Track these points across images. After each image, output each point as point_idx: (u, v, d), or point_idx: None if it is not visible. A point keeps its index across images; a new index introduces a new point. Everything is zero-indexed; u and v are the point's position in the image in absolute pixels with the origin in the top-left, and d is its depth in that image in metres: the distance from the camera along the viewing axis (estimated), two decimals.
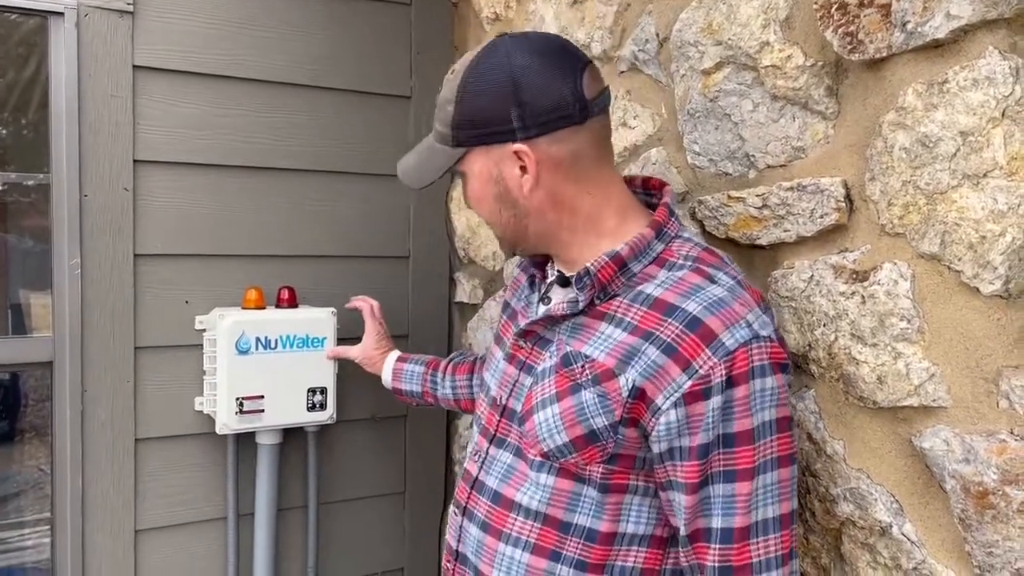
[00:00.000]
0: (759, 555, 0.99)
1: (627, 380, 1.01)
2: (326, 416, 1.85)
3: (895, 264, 1.02)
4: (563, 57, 1.09)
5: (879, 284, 1.04)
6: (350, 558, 2.07)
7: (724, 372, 0.97)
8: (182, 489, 1.86)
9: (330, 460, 2.03)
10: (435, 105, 1.16)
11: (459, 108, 1.10)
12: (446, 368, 1.65)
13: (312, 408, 1.83)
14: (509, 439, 1.15)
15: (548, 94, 1.06)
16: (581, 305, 1.09)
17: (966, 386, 0.96)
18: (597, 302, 1.09)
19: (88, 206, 1.72)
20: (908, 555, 1.03)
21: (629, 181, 1.22)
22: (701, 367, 0.97)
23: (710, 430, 0.98)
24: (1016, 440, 0.90)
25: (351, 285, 2.03)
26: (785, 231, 1.17)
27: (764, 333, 0.99)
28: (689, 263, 1.06)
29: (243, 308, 1.82)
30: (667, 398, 0.99)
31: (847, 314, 1.09)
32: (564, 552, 1.07)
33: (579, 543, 1.07)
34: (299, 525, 1.99)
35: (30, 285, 1.82)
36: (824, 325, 1.12)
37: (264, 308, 1.83)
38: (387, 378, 1.72)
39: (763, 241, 1.21)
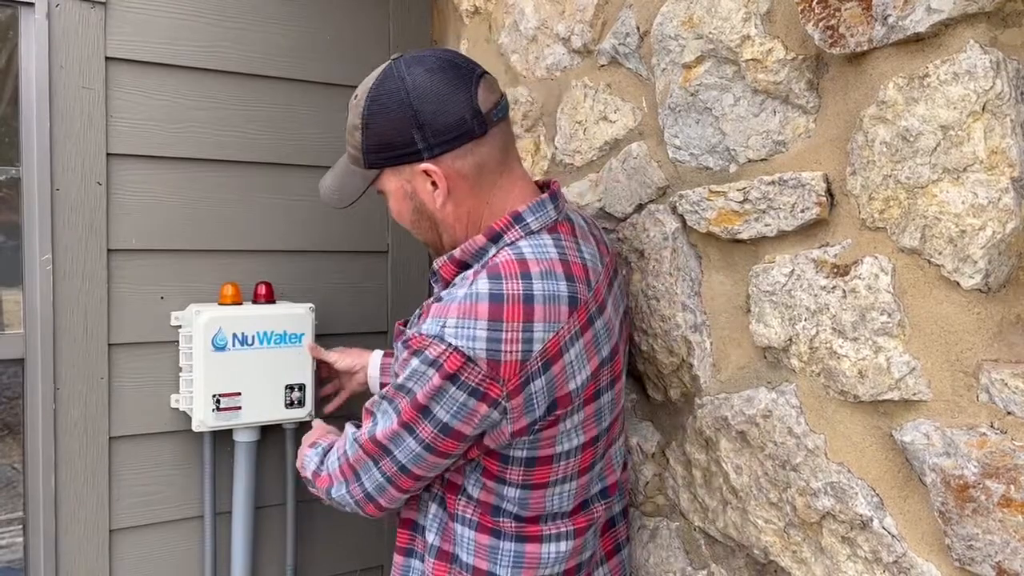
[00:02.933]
0: (363, 425, 1.26)
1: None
2: (304, 413, 1.83)
3: (876, 258, 1.02)
4: (456, 74, 1.17)
5: (860, 278, 1.04)
6: (329, 556, 2.06)
7: (409, 340, 1.15)
8: (158, 487, 1.83)
9: None
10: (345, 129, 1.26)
11: (366, 134, 1.20)
12: None
13: (290, 405, 1.81)
14: None
15: (446, 113, 1.15)
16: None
17: (946, 380, 0.96)
18: None
19: (60, 200, 1.69)
20: (888, 548, 1.04)
21: (546, 184, 1.30)
22: (411, 331, 1.17)
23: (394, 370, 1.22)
24: (996, 434, 0.90)
25: (329, 280, 2.01)
26: (766, 225, 1.17)
27: (451, 340, 1.10)
28: (486, 267, 1.15)
29: (219, 304, 1.79)
30: None
31: (828, 308, 1.09)
32: (432, 488, 1.32)
33: (439, 487, 1.31)
34: (277, 523, 1.97)
35: (0, 280, 1.79)
36: (805, 319, 1.12)
37: (241, 304, 1.81)
38: (374, 373, 1.70)
39: (744, 235, 1.21)
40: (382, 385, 1.70)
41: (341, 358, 1.76)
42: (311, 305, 1.84)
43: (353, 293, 2.05)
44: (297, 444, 1.93)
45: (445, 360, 1.09)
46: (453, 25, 2.07)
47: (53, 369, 1.70)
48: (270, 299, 1.83)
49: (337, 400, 1.84)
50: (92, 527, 1.76)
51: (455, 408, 1.12)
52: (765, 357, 1.21)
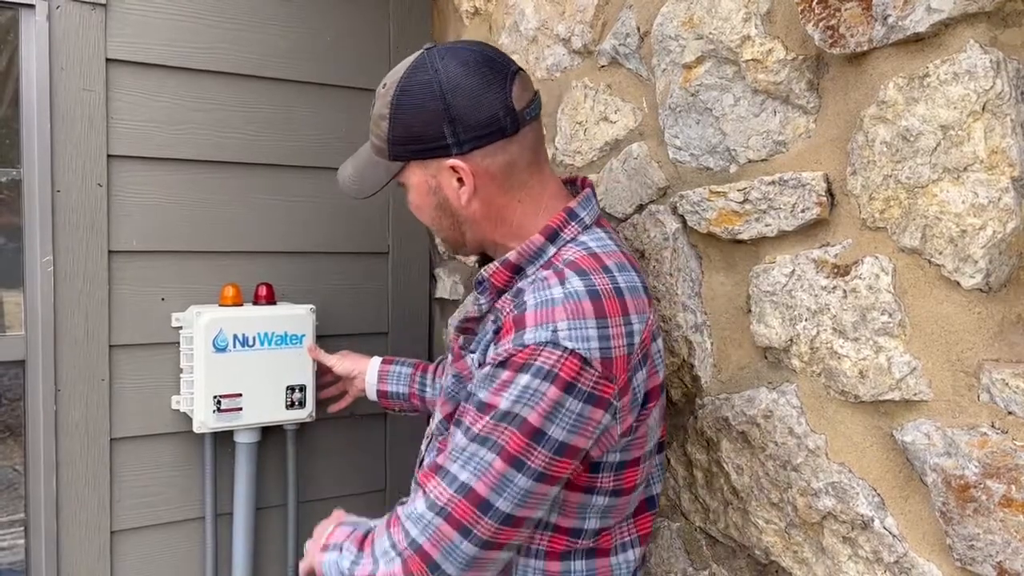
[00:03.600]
0: (431, 491, 1.05)
1: (473, 359, 1.15)
2: (305, 414, 1.83)
3: (876, 258, 1.02)
4: (491, 69, 1.12)
5: (860, 278, 1.04)
6: None
7: (507, 355, 1.03)
8: (159, 489, 1.83)
9: (310, 458, 2.01)
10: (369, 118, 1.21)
11: (393, 124, 1.14)
12: (435, 369, 1.64)
13: (291, 406, 1.81)
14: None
15: (479, 110, 1.10)
16: (484, 309, 1.18)
17: (947, 380, 0.96)
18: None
19: (61, 202, 1.69)
20: (890, 548, 1.04)
21: (571, 181, 1.26)
22: (502, 347, 1.05)
23: (475, 387, 1.07)
24: (997, 433, 0.90)
25: (330, 281, 2.01)
26: (766, 226, 1.17)
27: (568, 344, 1.01)
28: (559, 266, 1.10)
29: (220, 305, 1.80)
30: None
31: (829, 308, 1.09)
32: None
33: None
34: (279, 524, 1.97)
35: (1, 282, 1.79)
36: (806, 320, 1.12)
37: (241, 305, 1.81)
38: (372, 380, 1.68)
39: (744, 236, 1.21)
40: (381, 393, 1.68)
41: (340, 362, 1.75)
42: (312, 306, 1.84)
43: (354, 294, 2.05)
44: (298, 445, 1.94)
45: (561, 367, 1.00)
46: (453, 26, 2.07)
47: (54, 371, 1.70)
48: (271, 300, 1.84)
49: (342, 402, 1.83)
50: (93, 529, 1.76)
51: (572, 421, 1.02)
52: (766, 357, 1.21)
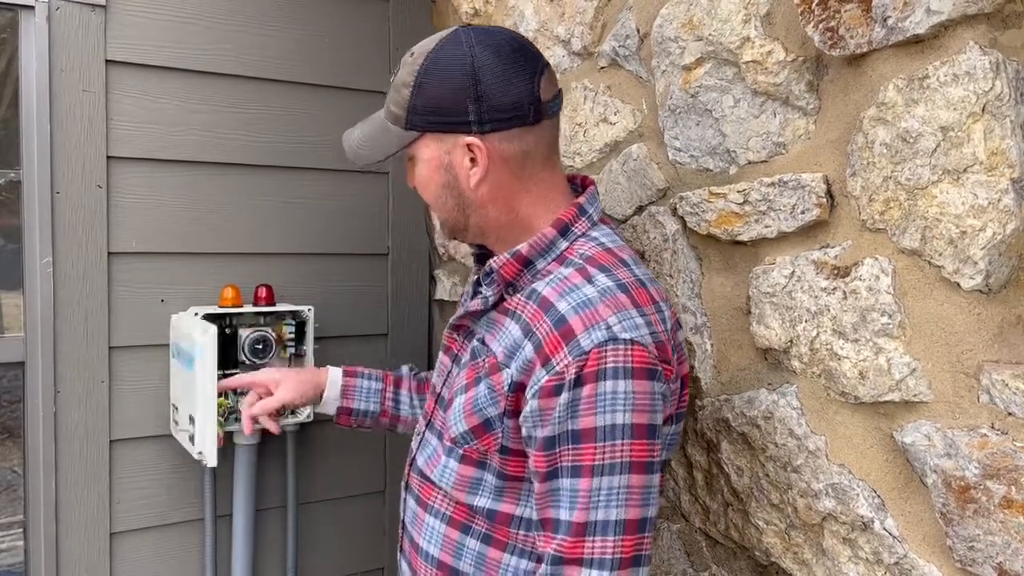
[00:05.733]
0: (592, 553, 1.00)
1: (508, 375, 1.07)
2: (303, 416, 1.83)
3: (876, 259, 1.02)
4: (524, 57, 1.12)
5: (860, 280, 1.04)
6: (330, 558, 2.06)
7: (575, 371, 0.99)
8: (158, 490, 1.83)
9: (309, 459, 2.01)
10: (391, 87, 1.18)
11: (416, 93, 1.12)
12: (412, 385, 1.53)
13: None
14: (435, 423, 1.22)
15: (506, 92, 1.09)
16: (490, 301, 1.14)
17: (947, 381, 0.96)
18: (507, 296, 1.14)
19: (60, 203, 1.69)
20: (890, 550, 1.04)
21: (572, 179, 1.25)
22: (558, 364, 1.00)
23: (556, 424, 1.01)
24: (997, 435, 0.90)
25: (329, 282, 2.01)
26: (766, 227, 1.17)
27: (626, 336, 1.00)
28: (579, 262, 1.09)
29: (220, 307, 1.79)
30: (531, 390, 1.03)
31: (829, 310, 1.09)
32: (473, 526, 1.14)
33: (484, 521, 1.12)
34: (278, 526, 1.97)
35: (1, 284, 1.79)
36: (806, 321, 1.12)
37: (241, 306, 1.80)
38: (334, 394, 1.48)
39: (744, 237, 1.21)
40: (343, 410, 1.47)
41: (286, 393, 1.46)
42: (311, 309, 1.83)
43: (353, 295, 2.05)
44: (297, 447, 1.94)
45: (631, 359, 0.99)
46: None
47: (53, 372, 1.70)
48: (270, 302, 1.83)
49: (271, 424, 1.53)
50: (93, 530, 1.75)
51: (664, 403, 1.04)
52: (766, 359, 1.21)
